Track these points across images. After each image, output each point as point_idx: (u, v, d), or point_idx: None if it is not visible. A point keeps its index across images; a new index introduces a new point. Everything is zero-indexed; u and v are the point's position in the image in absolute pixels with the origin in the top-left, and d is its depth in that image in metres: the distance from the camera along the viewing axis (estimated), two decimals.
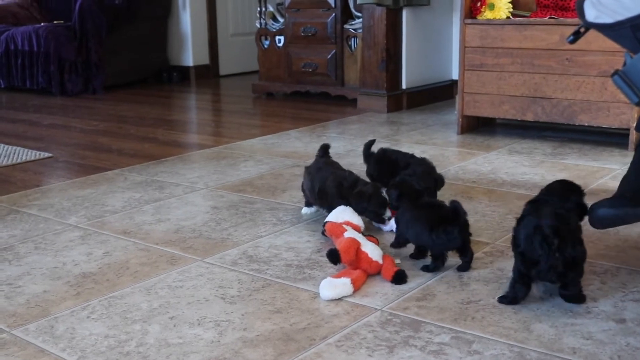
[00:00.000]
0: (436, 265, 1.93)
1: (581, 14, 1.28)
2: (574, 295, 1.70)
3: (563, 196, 1.81)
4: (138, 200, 2.67)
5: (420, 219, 1.93)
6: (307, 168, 2.42)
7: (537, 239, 1.63)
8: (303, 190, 2.45)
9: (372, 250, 1.89)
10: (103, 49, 5.77)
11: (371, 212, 2.18)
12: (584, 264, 1.69)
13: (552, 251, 1.61)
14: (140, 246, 2.19)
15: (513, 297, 1.71)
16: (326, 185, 2.26)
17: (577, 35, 1.33)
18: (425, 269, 1.93)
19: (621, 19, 1.19)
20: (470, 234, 1.92)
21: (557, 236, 1.61)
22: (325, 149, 2.49)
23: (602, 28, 1.23)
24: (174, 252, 2.13)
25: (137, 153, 3.50)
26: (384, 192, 2.16)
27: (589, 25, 1.27)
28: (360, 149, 2.59)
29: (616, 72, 1.19)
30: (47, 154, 3.48)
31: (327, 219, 2.15)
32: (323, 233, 2.17)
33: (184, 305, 1.76)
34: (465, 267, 1.93)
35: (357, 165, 2.96)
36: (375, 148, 2.62)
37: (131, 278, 1.94)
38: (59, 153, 3.54)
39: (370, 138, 2.70)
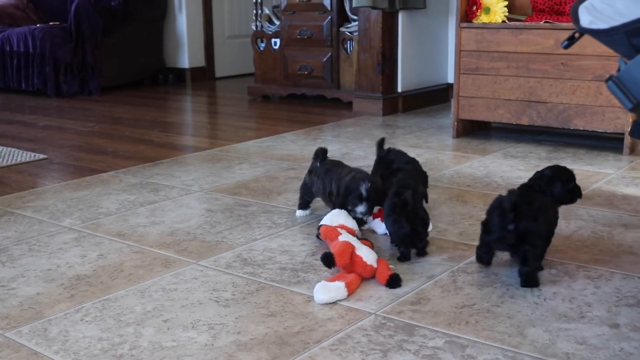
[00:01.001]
0: (401, 252, 2.04)
1: (576, 19, 1.28)
2: (530, 272, 1.84)
3: (550, 182, 1.97)
4: (133, 203, 2.66)
5: (387, 206, 2.07)
6: (313, 172, 2.39)
7: (495, 212, 1.85)
8: (302, 192, 2.44)
9: (366, 254, 1.89)
10: (99, 50, 5.76)
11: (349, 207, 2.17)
12: (540, 241, 1.86)
13: (505, 223, 1.81)
14: (134, 249, 2.18)
15: (477, 258, 1.97)
16: (332, 187, 2.26)
17: (571, 41, 1.33)
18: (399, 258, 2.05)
19: (615, 25, 1.19)
20: (426, 224, 2.04)
21: (512, 211, 1.80)
22: (324, 153, 2.43)
23: (597, 34, 1.23)
24: (168, 254, 2.13)
25: (133, 155, 3.49)
26: (362, 187, 2.12)
27: (583, 31, 1.26)
28: (356, 152, 2.60)
29: (610, 78, 1.19)
30: (42, 156, 3.47)
31: (321, 223, 2.15)
32: (317, 236, 2.17)
33: (178, 308, 1.76)
34: (419, 252, 2.06)
35: None
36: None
37: (125, 281, 1.94)
38: (54, 154, 3.53)
39: (381, 137, 2.63)
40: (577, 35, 1.34)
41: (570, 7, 2.91)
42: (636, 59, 1.19)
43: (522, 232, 1.81)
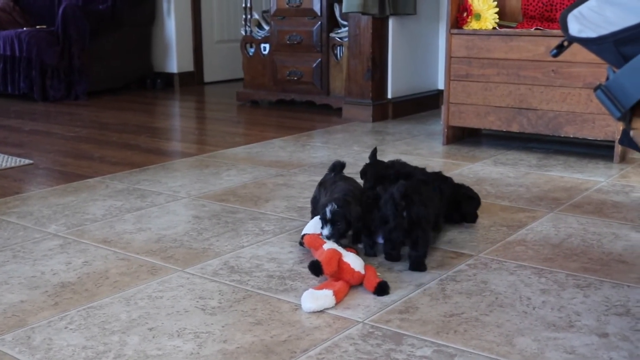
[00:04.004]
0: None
1: (564, 27, 1.27)
2: (419, 257, 2.01)
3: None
4: (119, 209, 2.64)
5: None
6: (322, 184, 2.30)
7: (388, 203, 1.99)
8: (312, 206, 2.35)
9: (353, 261, 1.88)
10: (86, 54, 5.73)
11: None
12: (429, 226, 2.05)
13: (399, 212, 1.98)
14: (120, 255, 2.16)
15: (386, 257, 2.10)
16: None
17: (560, 49, 1.32)
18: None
19: (604, 34, 1.19)
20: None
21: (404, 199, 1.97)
22: (341, 167, 2.35)
23: (585, 42, 1.22)
24: (154, 262, 2.11)
25: (119, 161, 3.47)
26: (328, 209, 2.02)
27: (572, 39, 1.26)
28: (345, 158, 2.57)
29: (599, 87, 1.19)
30: (27, 161, 3.44)
31: (304, 231, 2.13)
32: (301, 244, 2.15)
33: (164, 316, 1.74)
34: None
35: None
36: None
37: (110, 288, 1.92)
38: (40, 160, 3.50)
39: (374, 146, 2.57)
40: (565, 43, 1.33)
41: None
42: (624, 68, 1.18)
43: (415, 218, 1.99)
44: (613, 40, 1.18)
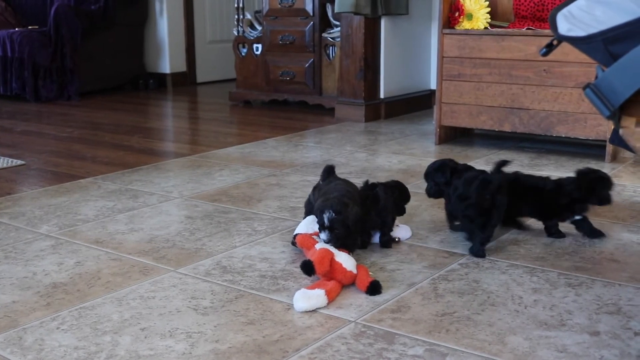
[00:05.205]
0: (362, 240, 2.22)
1: (554, 26, 1.27)
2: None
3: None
4: (111, 209, 2.64)
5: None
6: (317, 188, 2.28)
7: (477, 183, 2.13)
8: (305, 209, 2.33)
9: (345, 260, 1.88)
10: (78, 54, 5.72)
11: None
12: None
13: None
14: (112, 256, 2.16)
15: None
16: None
17: (549, 48, 1.33)
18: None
19: (593, 32, 1.19)
20: (393, 217, 2.21)
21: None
22: (330, 171, 2.31)
23: (574, 41, 1.23)
24: (146, 262, 2.10)
25: (112, 161, 3.46)
26: (325, 216, 1.98)
27: (561, 38, 1.26)
28: (337, 158, 2.57)
29: (588, 85, 1.19)
30: (19, 161, 3.44)
31: (296, 231, 2.13)
32: (293, 243, 2.15)
33: (156, 317, 1.73)
34: (383, 244, 2.21)
35: None
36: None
37: (102, 288, 1.91)
38: (32, 160, 3.50)
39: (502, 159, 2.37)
40: (555, 42, 1.33)
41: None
42: (613, 67, 1.18)
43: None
44: (602, 39, 1.18)
